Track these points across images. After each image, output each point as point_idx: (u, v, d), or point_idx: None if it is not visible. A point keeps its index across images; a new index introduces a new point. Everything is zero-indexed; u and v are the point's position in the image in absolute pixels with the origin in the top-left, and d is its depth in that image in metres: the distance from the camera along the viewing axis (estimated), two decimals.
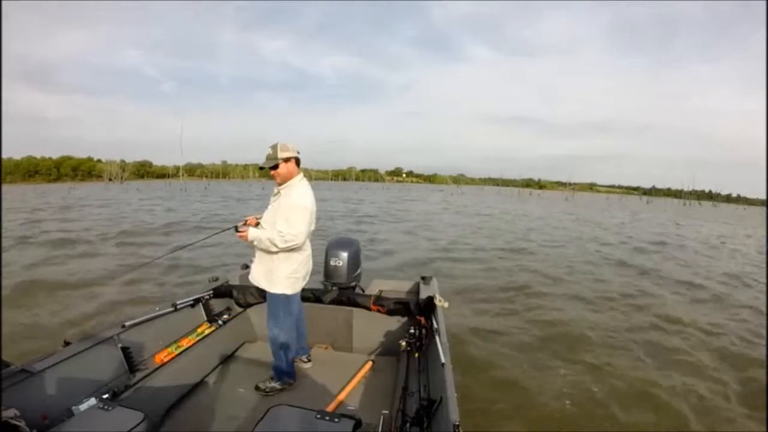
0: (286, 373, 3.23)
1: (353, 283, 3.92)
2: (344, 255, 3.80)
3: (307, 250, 3.21)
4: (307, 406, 2.13)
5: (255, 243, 3.00)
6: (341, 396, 3.12)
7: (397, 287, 4.18)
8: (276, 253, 3.00)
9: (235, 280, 4.20)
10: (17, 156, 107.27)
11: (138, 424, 1.99)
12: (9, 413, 1.93)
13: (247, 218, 3.27)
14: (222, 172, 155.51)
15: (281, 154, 2.98)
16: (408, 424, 2.33)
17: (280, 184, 3.08)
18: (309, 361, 3.60)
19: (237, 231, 3.07)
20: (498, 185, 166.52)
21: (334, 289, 3.82)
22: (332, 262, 3.80)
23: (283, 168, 3.01)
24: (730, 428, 4.13)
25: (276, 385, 3.20)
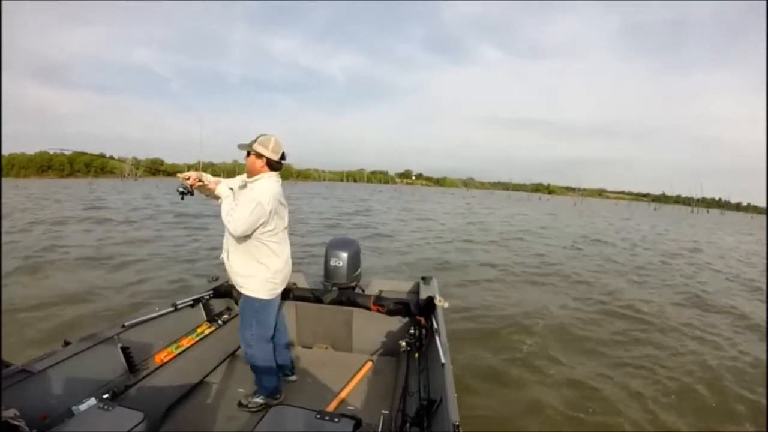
0: (270, 387, 3.04)
1: (353, 283, 3.92)
2: (344, 255, 3.80)
3: (284, 255, 2.97)
4: (307, 406, 2.13)
5: (220, 199, 2.79)
6: (341, 396, 3.12)
7: (397, 287, 4.19)
8: (253, 253, 2.80)
9: None
10: (30, 151, 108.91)
11: (138, 424, 2.00)
12: (9, 413, 1.93)
13: (189, 174, 2.87)
14: (235, 172, 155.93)
15: (256, 146, 2.77)
16: (408, 424, 2.34)
17: (248, 176, 2.88)
18: (293, 374, 3.45)
19: (181, 192, 2.84)
20: (508, 189, 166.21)
21: (334, 289, 3.81)
22: (332, 262, 3.80)
23: (249, 160, 2.81)
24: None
25: (259, 399, 3.02)
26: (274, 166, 2.84)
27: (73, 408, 2.32)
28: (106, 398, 2.48)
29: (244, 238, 2.74)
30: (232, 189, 2.89)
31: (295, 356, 3.80)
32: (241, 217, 2.64)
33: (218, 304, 4.04)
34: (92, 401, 2.36)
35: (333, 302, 3.81)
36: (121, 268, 9.02)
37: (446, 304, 3.45)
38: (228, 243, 2.87)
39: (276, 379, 3.07)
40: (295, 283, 4.08)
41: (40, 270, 8.67)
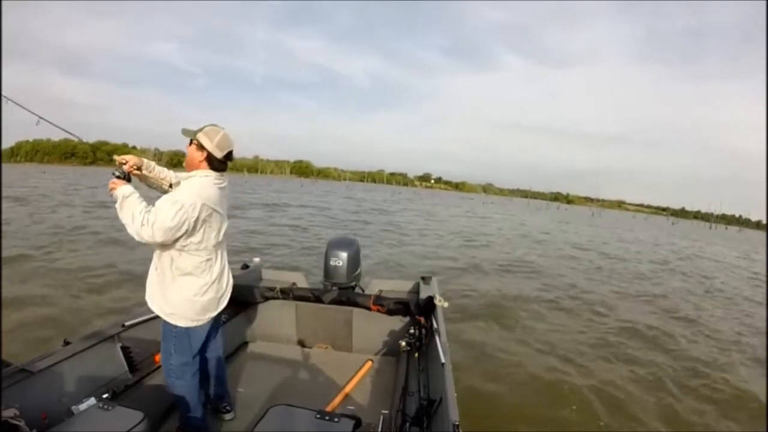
0: (195, 424, 2.57)
1: (353, 283, 3.92)
2: (344, 255, 3.80)
3: (209, 276, 2.44)
4: (307, 405, 2.13)
5: (118, 206, 2.21)
6: (341, 396, 3.12)
7: (396, 287, 4.18)
8: (166, 268, 2.34)
9: (234, 280, 3.89)
10: (55, 138, 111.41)
11: (137, 424, 2.00)
12: (9, 413, 1.92)
13: (127, 158, 2.41)
14: (255, 168, 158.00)
15: (200, 136, 2.32)
16: (408, 424, 2.33)
17: (186, 171, 2.42)
18: (229, 411, 2.91)
19: (117, 176, 2.31)
20: (527, 197, 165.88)
21: (334, 289, 3.79)
22: (332, 262, 3.80)
23: (190, 150, 2.36)
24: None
25: None
26: (215, 164, 2.38)
27: (73, 407, 2.31)
28: (106, 398, 2.46)
29: (160, 248, 2.30)
30: (172, 185, 2.53)
31: (295, 356, 3.82)
32: (159, 219, 2.13)
33: None
34: (92, 401, 2.36)
35: (333, 302, 3.78)
36: None
37: (446, 304, 3.44)
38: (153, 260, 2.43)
39: (202, 414, 2.61)
40: (295, 283, 4.10)
41: None
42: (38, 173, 54.58)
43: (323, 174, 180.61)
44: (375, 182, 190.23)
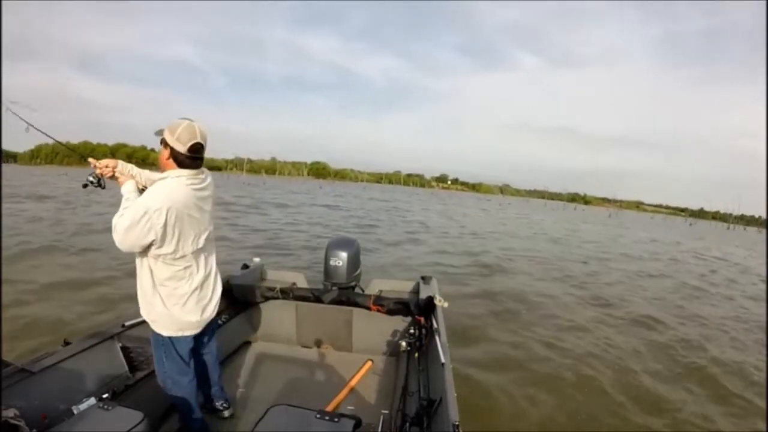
0: (195, 426, 2.58)
1: (353, 283, 3.93)
2: (344, 255, 3.81)
3: (191, 282, 2.33)
4: (307, 405, 2.11)
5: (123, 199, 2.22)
6: (341, 396, 3.13)
7: (396, 287, 4.18)
8: (145, 276, 2.26)
9: (234, 280, 4.03)
10: (75, 140, 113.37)
11: (137, 424, 1.98)
12: (9, 413, 1.91)
13: (107, 162, 2.35)
14: (273, 169, 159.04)
15: (165, 133, 2.17)
16: (408, 424, 2.34)
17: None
18: (227, 408, 2.91)
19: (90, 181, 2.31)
20: (544, 198, 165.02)
21: (334, 289, 3.80)
22: (332, 262, 3.81)
23: (162, 152, 2.21)
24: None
25: None
26: (180, 160, 2.17)
27: (73, 408, 2.30)
28: (106, 398, 2.45)
29: (138, 255, 2.22)
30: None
31: (295, 356, 3.84)
32: (123, 227, 2.04)
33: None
34: (92, 401, 2.35)
35: (333, 302, 3.78)
36: None
37: (446, 304, 3.43)
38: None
39: (201, 415, 2.61)
40: (295, 283, 4.11)
41: None
42: (60, 174, 55.80)
43: (340, 175, 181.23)
44: (392, 183, 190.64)
